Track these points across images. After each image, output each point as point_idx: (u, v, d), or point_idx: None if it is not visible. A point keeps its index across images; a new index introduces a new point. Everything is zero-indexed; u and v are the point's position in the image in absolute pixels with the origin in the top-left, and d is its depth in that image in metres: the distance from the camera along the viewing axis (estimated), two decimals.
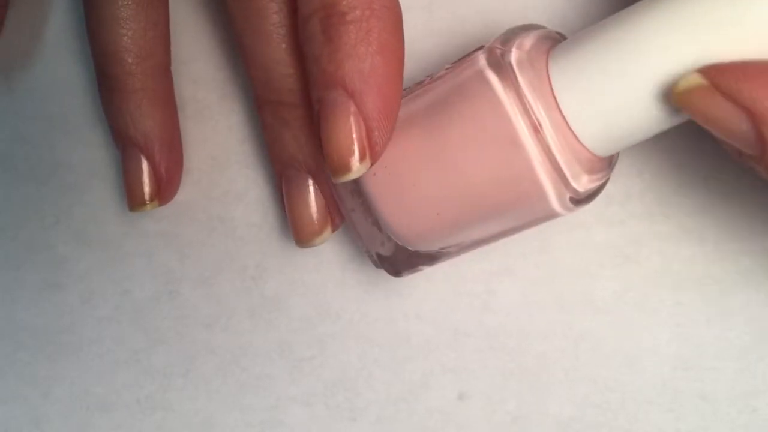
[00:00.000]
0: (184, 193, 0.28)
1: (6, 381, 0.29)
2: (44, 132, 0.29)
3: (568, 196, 0.21)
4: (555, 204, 0.21)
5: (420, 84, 0.23)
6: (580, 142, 0.20)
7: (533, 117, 0.20)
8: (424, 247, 0.23)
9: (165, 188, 0.27)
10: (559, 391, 0.27)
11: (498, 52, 0.21)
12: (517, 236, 0.27)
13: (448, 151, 0.21)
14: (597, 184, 0.22)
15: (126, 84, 0.26)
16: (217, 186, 0.28)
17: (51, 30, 0.29)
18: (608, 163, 0.22)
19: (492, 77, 0.20)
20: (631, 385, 0.27)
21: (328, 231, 0.26)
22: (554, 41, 0.21)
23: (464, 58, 0.22)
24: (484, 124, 0.20)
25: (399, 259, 0.24)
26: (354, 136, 0.21)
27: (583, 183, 0.21)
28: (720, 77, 0.18)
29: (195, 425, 0.29)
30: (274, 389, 0.28)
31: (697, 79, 0.18)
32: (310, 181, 0.25)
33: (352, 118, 0.21)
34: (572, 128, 0.20)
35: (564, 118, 0.20)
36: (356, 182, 0.23)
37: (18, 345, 0.29)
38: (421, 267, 0.24)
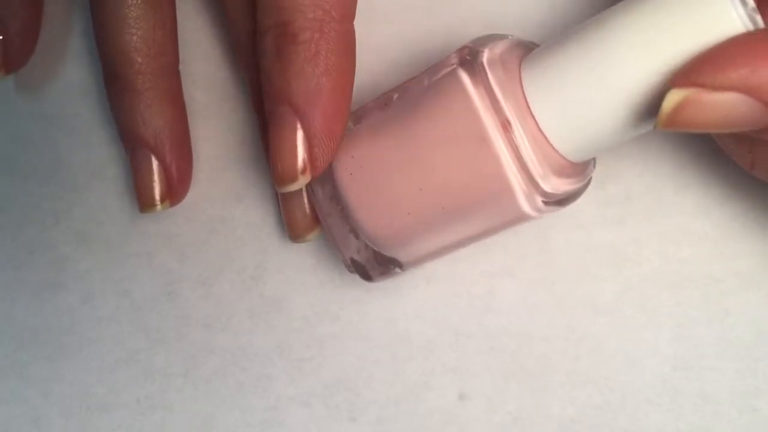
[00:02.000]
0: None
1: (6, 381, 0.29)
2: (44, 132, 0.29)
3: (537, 196, 0.21)
4: (523, 204, 0.21)
5: (399, 86, 0.23)
6: (551, 145, 0.20)
7: (502, 115, 0.20)
8: (397, 251, 0.23)
9: (176, 188, 0.27)
10: (560, 391, 0.27)
11: (469, 51, 0.21)
12: (517, 237, 0.27)
13: (419, 149, 0.21)
14: (571, 187, 0.21)
15: (136, 84, 0.26)
16: (217, 186, 0.28)
17: (51, 30, 0.29)
18: (582, 168, 0.22)
19: (463, 75, 0.21)
20: (632, 385, 0.27)
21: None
22: (528, 49, 0.21)
23: (440, 61, 0.22)
24: (454, 121, 0.21)
25: (372, 264, 0.24)
26: (298, 150, 0.22)
27: (553, 184, 0.21)
28: (700, 76, 0.17)
29: (195, 425, 0.29)
30: (274, 389, 0.28)
31: (679, 94, 0.18)
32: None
33: (297, 134, 0.22)
34: (543, 131, 0.20)
35: (535, 120, 0.20)
36: (333, 184, 0.23)
37: (18, 345, 0.29)
38: (394, 272, 0.24)
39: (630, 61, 0.19)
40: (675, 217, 0.26)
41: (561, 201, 0.22)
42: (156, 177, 0.26)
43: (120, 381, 0.29)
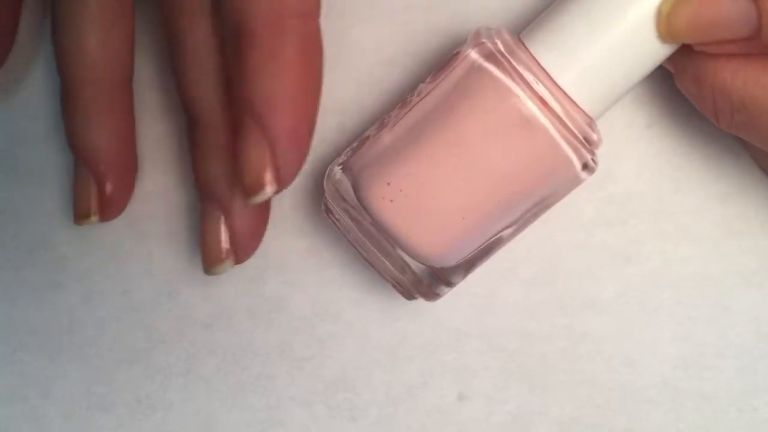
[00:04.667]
0: (184, 194, 0.28)
1: (6, 381, 0.29)
2: (44, 132, 0.29)
3: (588, 156, 0.22)
4: (579, 169, 0.22)
5: (407, 104, 0.23)
6: (577, 106, 0.21)
7: (537, 93, 0.21)
8: (451, 261, 0.23)
9: (107, 205, 0.26)
10: (560, 391, 0.27)
11: (487, 44, 0.22)
12: (516, 237, 0.27)
13: (465, 152, 0.22)
14: (599, 147, 0.23)
15: (77, 96, 0.25)
16: None
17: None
18: (595, 126, 0.23)
19: (490, 67, 0.21)
20: (632, 384, 0.27)
21: (230, 261, 0.25)
22: (514, 32, 0.22)
23: (444, 67, 0.23)
24: (495, 112, 0.21)
25: (432, 280, 0.24)
26: (263, 158, 0.21)
27: (593, 142, 0.22)
28: None
29: (195, 425, 0.29)
30: (274, 389, 0.28)
31: None
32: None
33: (256, 141, 0.21)
34: (569, 94, 0.21)
35: (560, 87, 0.21)
36: (371, 215, 0.23)
37: (18, 345, 0.29)
38: (454, 282, 0.24)
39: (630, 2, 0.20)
40: (675, 217, 0.27)
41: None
42: (90, 191, 0.26)
43: (120, 381, 0.29)
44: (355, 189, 0.23)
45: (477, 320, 0.27)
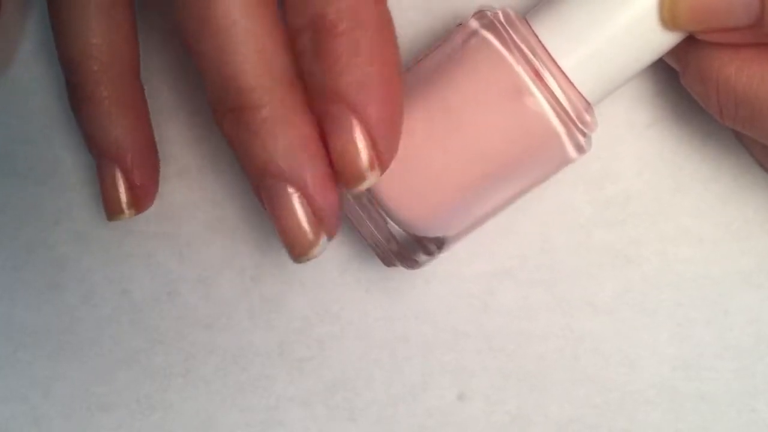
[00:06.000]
0: (184, 193, 0.28)
1: (6, 381, 0.29)
2: (44, 132, 0.29)
3: (578, 136, 0.22)
4: (568, 145, 0.22)
5: (404, 68, 0.23)
6: (574, 86, 0.21)
7: (533, 65, 0.21)
8: (436, 230, 0.23)
9: (140, 196, 0.26)
10: (559, 391, 0.27)
11: (488, 14, 0.22)
12: (516, 237, 0.27)
13: (455, 118, 0.22)
14: (593, 131, 0.22)
15: (94, 92, 0.25)
16: (217, 186, 0.28)
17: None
18: (593, 114, 0.23)
19: (488, 35, 0.21)
20: (630, 385, 0.27)
21: (324, 240, 0.23)
22: (520, 14, 0.22)
23: (446, 37, 0.23)
24: (488, 81, 0.21)
25: (413, 249, 0.24)
26: (360, 147, 0.21)
27: (587, 124, 0.22)
28: None
29: (195, 425, 0.29)
30: (274, 389, 0.28)
31: None
32: (290, 189, 0.22)
33: (356, 131, 0.21)
34: (569, 77, 0.21)
35: (557, 64, 0.21)
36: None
37: (18, 345, 0.29)
38: (434, 252, 0.24)
39: None
40: (674, 218, 0.27)
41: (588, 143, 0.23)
42: (120, 186, 0.26)
43: (120, 381, 0.29)
44: None
45: (476, 321, 0.27)
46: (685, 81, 0.23)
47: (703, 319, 0.27)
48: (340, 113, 0.21)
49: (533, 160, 0.22)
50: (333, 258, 0.28)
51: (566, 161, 0.22)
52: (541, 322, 0.27)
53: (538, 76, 0.21)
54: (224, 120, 0.22)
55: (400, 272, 0.27)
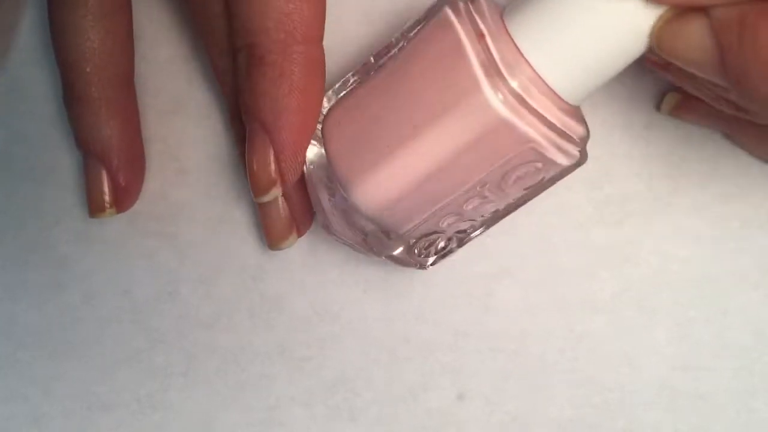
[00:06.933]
0: (184, 193, 0.28)
1: (6, 381, 0.29)
2: (44, 132, 0.29)
3: (503, 88, 0.20)
4: (489, 94, 0.20)
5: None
6: (549, 87, 0.20)
7: (477, 27, 0.21)
8: (383, 207, 0.23)
9: (122, 197, 0.27)
10: (558, 391, 0.27)
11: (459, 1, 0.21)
12: (515, 237, 0.27)
13: (403, 89, 0.22)
14: (578, 128, 0.21)
15: (84, 93, 0.26)
16: (217, 186, 0.28)
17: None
18: (581, 117, 0.22)
19: (447, 10, 0.21)
20: (630, 385, 0.27)
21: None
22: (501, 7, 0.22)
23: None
24: (435, 49, 0.21)
25: (381, 237, 0.24)
26: (270, 164, 0.24)
27: (521, 81, 0.20)
28: None
29: (195, 425, 0.29)
30: (274, 389, 0.28)
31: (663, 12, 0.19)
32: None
33: (269, 150, 0.24)
34: (540, 75, 0.20)
35: (531, 65, 0.20)
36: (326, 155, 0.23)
37: (18, 345, 0.29)
38: (395, 237, 0.24)
39: None
40: (673, 217, 0.27)
41: (572, 140, 0.21)
42: (104, 185, 0.27)
43: (120, 381, 0.29)
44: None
45: (476, 321, 0.28)
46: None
47: (702, 318, 0.27)
48: (256, 131, 0.24)
49: (457, 113, 0.21)
50: (333, 258, 0.28)
51: (496, 119, 0.20)
52: (540, 322, 0.27)
53: (480, 35, 0.20)
54: (237, 57, 0.24)
55: (400, 272, 0.27)
